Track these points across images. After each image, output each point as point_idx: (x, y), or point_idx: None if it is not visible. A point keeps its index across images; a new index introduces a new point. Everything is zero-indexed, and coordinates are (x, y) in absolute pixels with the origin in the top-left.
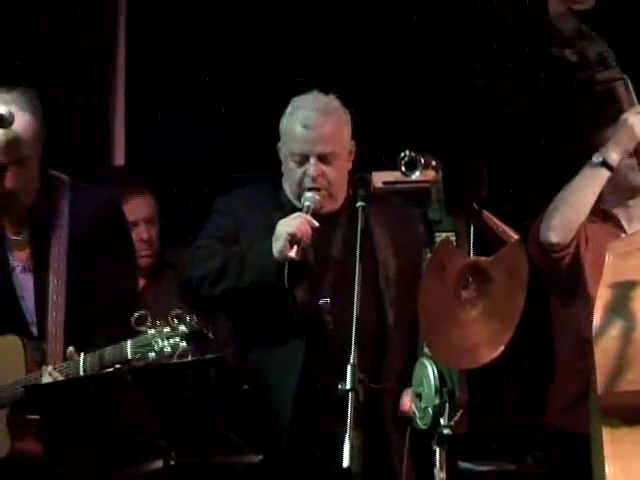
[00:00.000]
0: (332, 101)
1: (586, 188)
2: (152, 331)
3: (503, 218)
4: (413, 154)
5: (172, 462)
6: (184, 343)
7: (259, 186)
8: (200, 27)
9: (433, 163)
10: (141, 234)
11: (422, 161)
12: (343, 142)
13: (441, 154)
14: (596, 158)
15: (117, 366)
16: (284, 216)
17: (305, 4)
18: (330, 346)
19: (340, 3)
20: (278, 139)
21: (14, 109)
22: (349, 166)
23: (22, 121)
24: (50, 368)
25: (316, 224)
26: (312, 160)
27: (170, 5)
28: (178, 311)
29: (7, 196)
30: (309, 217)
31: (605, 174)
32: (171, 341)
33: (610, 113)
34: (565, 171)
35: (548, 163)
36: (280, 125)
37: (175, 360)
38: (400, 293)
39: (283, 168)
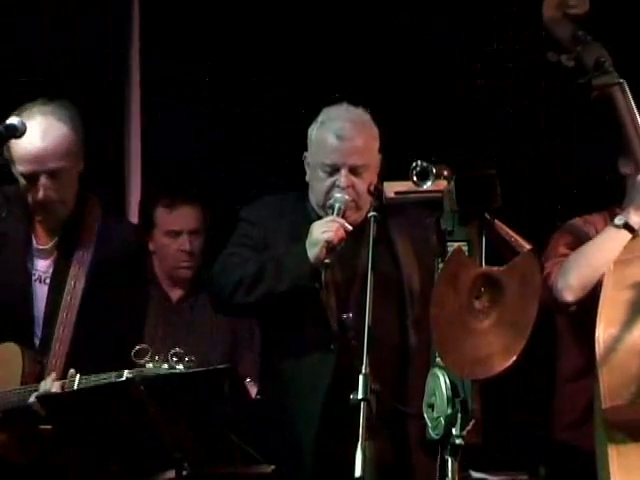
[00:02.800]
0: (363, 114)
1: (607, 250)
2: (150, 365)
3: (506, 220)
4: (425, 164)
5: (185, 472)
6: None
7: (284, 196)
8: (201, 27)
9: (445, 173)
10: (183, 244)
11: (434, 171)
12: (373, 155)
13: (441, 156)
14: (618, 220)
15: (129, 375)
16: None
17: (304, 5)
18: (354, 362)
19: (340, 3)
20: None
21: (51, 120)
22: (375, 179)
23: (58, 133)
24: (54, 375)
25: (350, 228)
26: (343, 171)
27: (172, 6)
28: (178, 350)
29: (40, 206)
30: (342, 220)
31: (626, 236)
32: None
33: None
34: (565, 171)
35: (548, 163)
36: (309, 134)
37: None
38: (424, 309)
39: (309, 178)
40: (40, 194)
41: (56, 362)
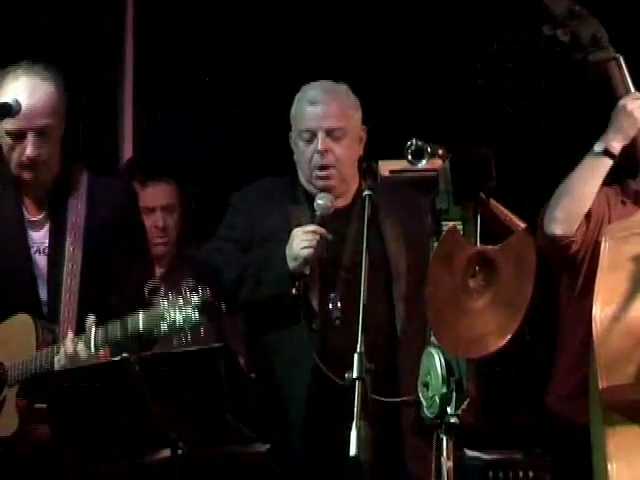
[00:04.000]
0: (339, 85)
1: (588, 178)
2: (164, 303)
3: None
4: (420, 143)
5: (180, 451)
6: (197, 315)
7: (276, 179)
8: (201, 26)
9: (440, 152)
10: (156, 221)
11: (429, 150)
12: (351, 120)
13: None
14: (598, 147)
15: (124, 355)
16: (298, 209)
17: (305, 4)
18: (341, 340)
19: (341, 3)
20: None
21: (37, 80)
22: (360, 151)
23: (44, 91)
24: (71, 335)
25: (330, 237)
26: (320, 135)
27: (172, 5)
28: (191, 283)
29: (27, 166)
30: (322, 230)
31: (608, 163)
32: (183, 313)
33: None
34: (565, 171)
35: (549, 163)
36: (290, 113)
37: (187, 333)
38: (411, 288)
39: (295, 156)
40: (28, 151)
41: (67, 327)
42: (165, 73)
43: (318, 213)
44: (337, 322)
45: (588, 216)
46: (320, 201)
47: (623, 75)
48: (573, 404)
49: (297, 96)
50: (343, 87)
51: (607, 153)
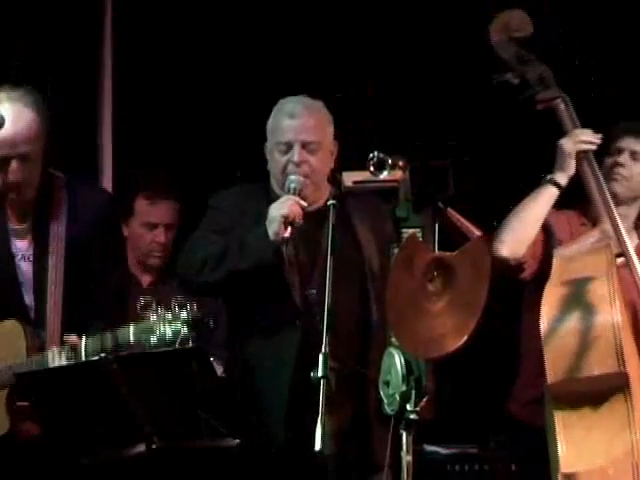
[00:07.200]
0: (315, 101)
1: (536, 204)
2: (154, 317)
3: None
4: (381, 155)
5: (154, 446)
6: (185, 329)
7: (250, 185)
8: (193, 26)
9: (400, 163)
10: (159, 236)
11: (390, 162)
12: (326, 135)
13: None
14: (546, 178)
15: (102, 355)
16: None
17: (297, 7)
18: (320, 337)
19: (335, 4)
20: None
21: (19, 106)
22: (331, 164)
23: (27, 118)
24: (57, 350)
25: (305, 204)
26: (296, 147)
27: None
28: (181, 298)
29: (10, 188)
30: (296, 197)
31: (555, 192)
32: (172, 327)
33: None
34: None
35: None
36: (267, 124)
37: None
38: (383, 288)
39: (269, 165)
40: (12, 176)
41: (53, 333)
42: (145, 75)
43: (292, 186)
44: (318, 318)
45: (549, 239)
46: (292, 176)
47: (569, 111)
48: (534, 410)
49: (275, 109)
50: (319, 103)
51: (553, 182)
